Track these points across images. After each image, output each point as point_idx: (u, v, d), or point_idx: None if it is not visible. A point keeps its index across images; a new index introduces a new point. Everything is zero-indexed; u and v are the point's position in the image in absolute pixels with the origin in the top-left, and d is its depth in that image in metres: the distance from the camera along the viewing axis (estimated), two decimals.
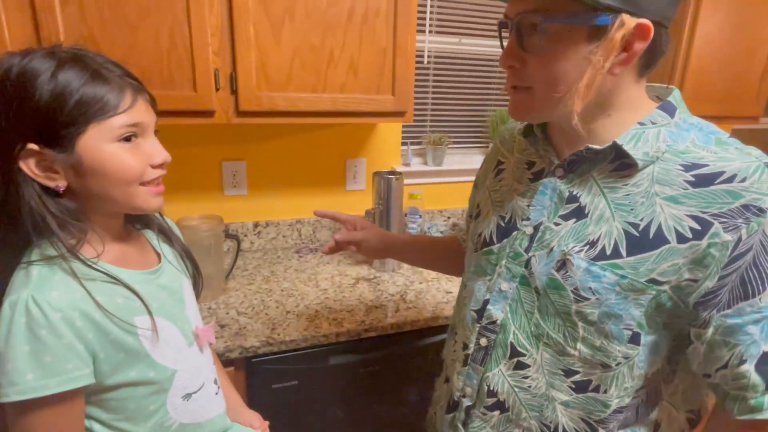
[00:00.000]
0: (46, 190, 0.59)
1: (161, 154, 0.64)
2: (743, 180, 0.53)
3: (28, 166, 0.57)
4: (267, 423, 0.89)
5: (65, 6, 1.01)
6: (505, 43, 0.62)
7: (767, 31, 1.68)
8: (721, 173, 0.55)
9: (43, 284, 0.56)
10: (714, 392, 0.61)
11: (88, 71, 0.57)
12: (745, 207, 0.52)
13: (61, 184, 0.59)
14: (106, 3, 1.03)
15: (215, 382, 0.78)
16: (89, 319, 0.58)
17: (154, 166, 0.64)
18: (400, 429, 1.32)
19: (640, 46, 0.53)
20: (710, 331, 0.56)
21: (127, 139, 0.61)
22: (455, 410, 0.76)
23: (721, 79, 1.68)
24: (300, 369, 1.14)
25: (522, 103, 0.61)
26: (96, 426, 0.63)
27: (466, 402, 0.74)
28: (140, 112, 0.61)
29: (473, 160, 1.93)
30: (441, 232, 1.84)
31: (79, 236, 0.61)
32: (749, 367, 0.55)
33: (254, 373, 1.10)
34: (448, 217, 1.90)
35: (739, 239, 0.52)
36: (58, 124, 0.56)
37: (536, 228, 0.66)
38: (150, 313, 0.64)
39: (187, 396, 0.70)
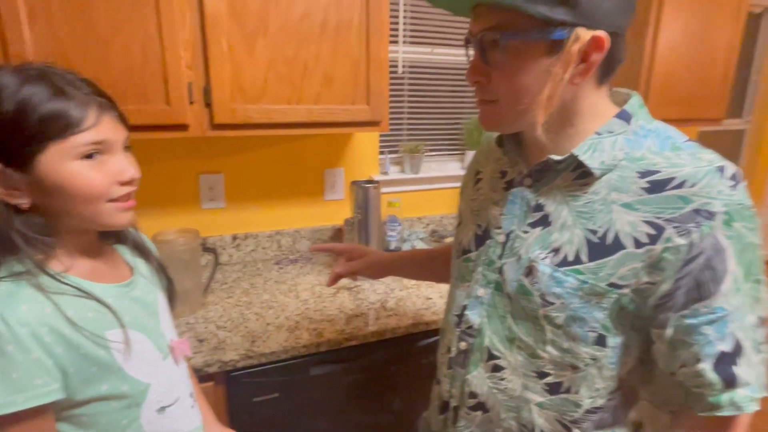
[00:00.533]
0: (9, 207, 0.58)
1: (128, 171, 0.64)
2: (693, 185, 0.55)
3: None
4: None
5: (33, 22, 1.00)
6: (471, 58, 0.64)
7: (726, 37, 1.75)
8: (672, 179, 0.56)
9: (11, 300, 0.56)
10: (680, 388, 0.63)
11: (51, 88, 0.57)
12: (696, 211, 0.54)
13: (23, 201, 0.59)
14: (77, 18, 1.02)
15: (191, 395, 0.78)
16: (58, 334, 0.58)
17: (122, 183, 0.63)
18: None
19: (597, 57, 0.55)
20: (669, 331, 0.58)
21: (89, 156, 0.60)
22: (446, 411, 0.78)
23: (685, 83, 1.74)
24: (281, 381, 1.13)
25: (490, 116, 0.64)
26: None
27: (453, 402, 0.76)
28: (105, 130, 0.61)
29: (450, 167, 1.96)
30: (421, 239, 1.86)
31: (47, 251, 0.60)
32: (705, 366, 0.57)
33: (234, 388, 1.09)
34: (428, 224, 1.92)
35: (691, 243, 0.54)
36: (17, 143, 0.56)
37: (508, 236, 0.68)
38: (122, 325, 0.64)
39: (162, 409, 0.70)
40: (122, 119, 0.65)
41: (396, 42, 1.72)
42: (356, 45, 1.28)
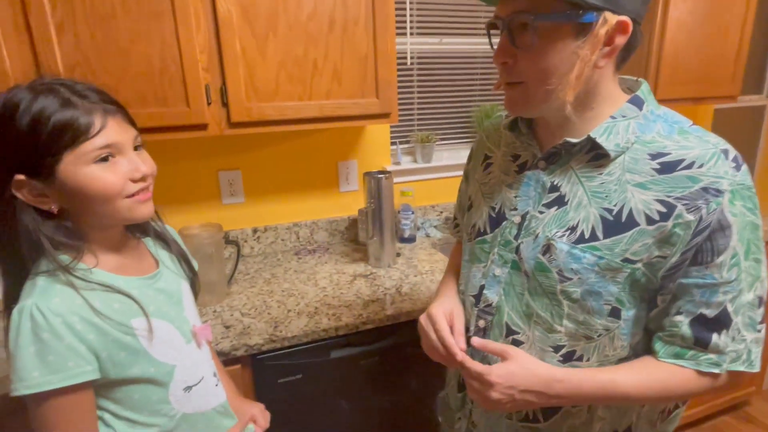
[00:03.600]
0: (42, 212, 0.65)
1: (140, 169, 0.68)
2: (701, 166, 0.60)
3: (23, 194, 0.63)
4: (268, 415, 0.96)
5: (61, 36, 1.07)
6: (494, 43, 0.67)
7: (737, 11, 1.73)
8: (682, 160, 0.61)
9: (46, 293, 0.63)
10: (647, 334, 0.69)
11: (59, 100, 0.62)
12: (705, 189, 0.59)
13: (53, 206, 0.65)
14: (99, 31, 1.09)
15: (214, 375, 0.84)
16: (88, 322, 0.65)
17: (135, 180, 0.68)
18: (402, 415, 1.38)
19: (621, 40, 0.60)
20: (669, 295, 0.63)
21: (104, 159, 0.65)
22: (465, 389, 0.81)
23: (696, 61, 1.73)
24: (303, 363, 1.20)
25: (517, 98, 0.67)
26: (106, 416, 0.71)
27: None
28: (112, 133, 0.65)
29: (461, 155, 1.99)
30: (435, 227, 1.90)
31: (75, 253, 0.67)
32: (683, 320, 0.63)
33: (260, 370, 1.17)
34: (441, 212, 1.96)
35: (700, 218, 0.59)
36: (37, 155, 0.61)
37: (523, 217, 0.72)
38: (146, 314, 0.70)
39: (188, 389, 0.77)
40: (130, 121, 0.70)
41: (404, 34, 1.75)
42: (363, 40, 1.32)
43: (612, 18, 0.57)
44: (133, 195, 0.68)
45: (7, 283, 0.68)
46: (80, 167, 0.63)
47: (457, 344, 0.73)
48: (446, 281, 0.91)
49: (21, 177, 0.62)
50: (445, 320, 0.76)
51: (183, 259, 0.86)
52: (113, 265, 0.72)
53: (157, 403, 0.73)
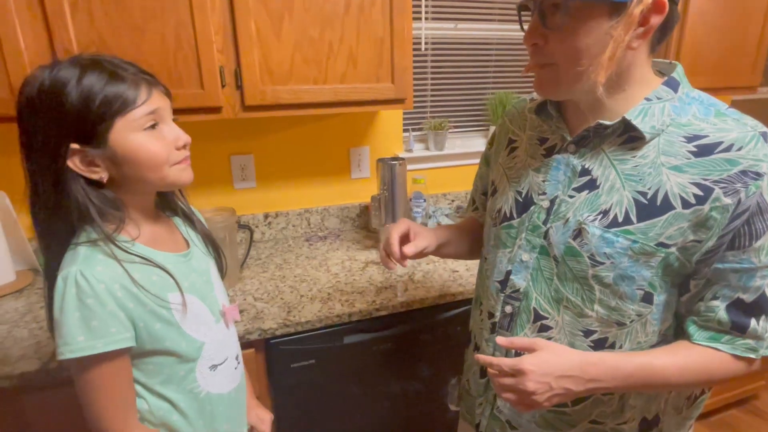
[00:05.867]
0: (90, 182, 0.67)
1: (183, 137, 0.72)
2: (740, 149, 0.58)
3: (74, 164, 0.65)
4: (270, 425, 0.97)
5: (75, 13, 1.05)
6: (525, 25, 0.66)
7: (760, 1, 1.69)
8: (720, 143, 0.59)
9: (89, 261, 0.65)
10: (677, 319, 0.68)
11: (106, 73, 0.64)
12: (743, 173, 0.57)
13: (103, 175, 0.67)
14: (113, 8, 1.08)
15: (236, 358, 0.85)
16: (128, 292, 0.66)
17: (178, 148, 0.71)
18: (413, 402, 1.38)
19: (656, 20, 0.57)
20: (703, 280, 0.62)
21: (152, 126, 0.68)
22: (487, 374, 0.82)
23: (716, 50, 1.70)
24: (316, 348, 1.20)
25: (547, 79, 0.66)
26: (138, 387, 0.72)
27: None
28: (157, 101, 0.68)
29: (474, 143, 1.97)
30: (446, 215, 1.89)
31: (118, 223, 0.68)
32: (720, 304, 0.61)
33: (273, 354, 1.16)
34: (452, 200, 1.95)
35: (739, 201, 0.57)
36: (90, 123, 0.63)
37: (552, 201, 0.70)
38: (181, 290, 0.72)
39: (213, 367, 0.78)
40: (167, 92, 0.73)
41: (419, 18, 1.72)
42: (380, 23, 1.30)
43: None
44: (177, 162, 0.71)
45: (48, 253, 0.69)
46: (131, 134, 0.66)
47: (404, 250, 0.83)
48: (441, 226, 0.93)
49: (75, 146, 0.64)
50: (402, 232, 0.86)
51: (209, 239, 0.87)
52: (150, 238, 0.74)
53: (185, 378, 0.74)
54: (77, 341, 0.63)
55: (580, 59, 0.60)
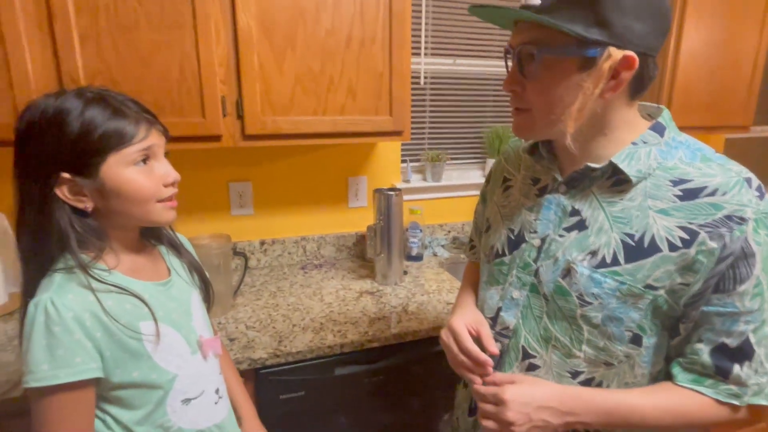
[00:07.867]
0: (75, 211, 0.68)
1: (172, 174, 0.73)
2: (725, 194, 0.59)
3: (62, 192, 0.66)
4: None
5: (84, 43, 1.09)
6: (509, 69, 0.68)
7: (751, 42, 1.74)
8: (705, 187, 0.60)
9: (61, 289, 0.65)
10: (667, 363, 0.68)
11: (110, 109, 0.67)
12: (728, 217, 0.58)
13: (89, 205, 0.68)
14: (120, 40, 1.11)
15: (217, 392, 0.82)
16: (98, 320, 0.66)
17: (166, 185, 0.72)
18: None
19: (626, 75, 0.59)
20: (691, 323, 0.63)
21: (143, 161, 0.69)
22: (476, 412, 0.80)
23: (708, 91, 1.74)
24: (307, 380, 1.18)
25: (523, 124, 0.68)
26: (108, 419, 0.71)
27: None
28: (153, 139, 0.70)
29: (471, 175, 2.00)
30: (442, 246, 1.89)
31: (97, 252, 0.69)
32: (704, 347, 0.62)
33: (263, 385, 1.15)
34: (449, 231, 1.95)
35: (724, 246, 0.58)
36: (86, 155, 0.65)
37: (543, 240, 0.71)
38: (155, 318, 0.71)
39: (187, 401, 0.76)
40: (165, 132, 0.74)
41: (418, 54, 1.77)
42: (379, 59, 1.34)
43: (617, 53, 0.57)
44: (163, 200, 0.72)
45: (26, 278, 0.69)
46: (122, 168, 0.67)
47: (488, 347, 0.73)
48: (463, 292, 0.90)
49: (66, 175, 0.65)
50: (466, 330, 0.74)
51: (195, 269, 0.87)
52: (130, 267, 0.74)
53: (154, 412, 0.73)
54: (41, 369, 0.62)
55: (553, 108, 0.62)
